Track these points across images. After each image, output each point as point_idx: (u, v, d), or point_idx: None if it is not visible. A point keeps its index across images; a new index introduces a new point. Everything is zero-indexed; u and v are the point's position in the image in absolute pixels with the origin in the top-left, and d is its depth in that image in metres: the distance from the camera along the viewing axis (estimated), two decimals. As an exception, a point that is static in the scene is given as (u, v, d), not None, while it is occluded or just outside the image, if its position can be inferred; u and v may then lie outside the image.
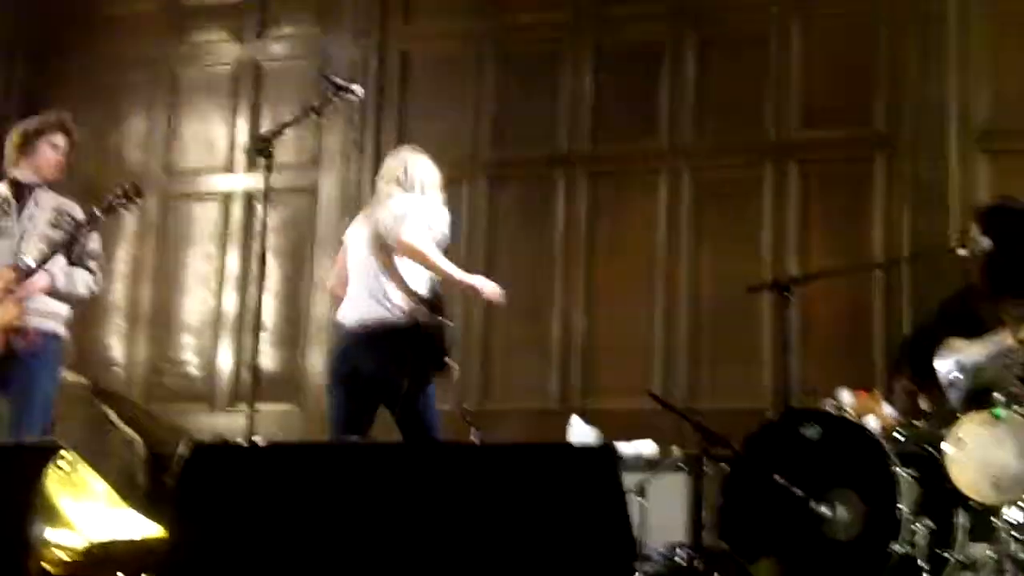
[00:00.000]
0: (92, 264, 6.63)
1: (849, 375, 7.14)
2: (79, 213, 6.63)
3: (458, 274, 6.49)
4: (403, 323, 6.37)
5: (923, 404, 6.57)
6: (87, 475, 5.25)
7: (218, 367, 9.48)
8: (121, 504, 5.48)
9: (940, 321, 6.77)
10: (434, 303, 6.47)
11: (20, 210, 6.53)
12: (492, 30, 9.36)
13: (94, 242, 6.64)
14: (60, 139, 6.66)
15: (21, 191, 6.59)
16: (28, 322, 6.37)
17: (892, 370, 7.03)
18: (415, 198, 6.54)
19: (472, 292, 6.63)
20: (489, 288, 6.60)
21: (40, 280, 6.37)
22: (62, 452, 5.03)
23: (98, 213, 6.42)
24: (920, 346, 6.70)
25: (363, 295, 6.47)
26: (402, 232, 6.33)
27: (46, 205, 6.58)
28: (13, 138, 6.64)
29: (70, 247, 6.46)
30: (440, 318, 6.45)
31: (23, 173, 6.60)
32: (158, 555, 4.66)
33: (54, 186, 6.70)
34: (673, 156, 8.82)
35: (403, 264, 6.41)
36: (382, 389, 6.36)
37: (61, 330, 6.59)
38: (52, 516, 4.86)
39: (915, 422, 6.41)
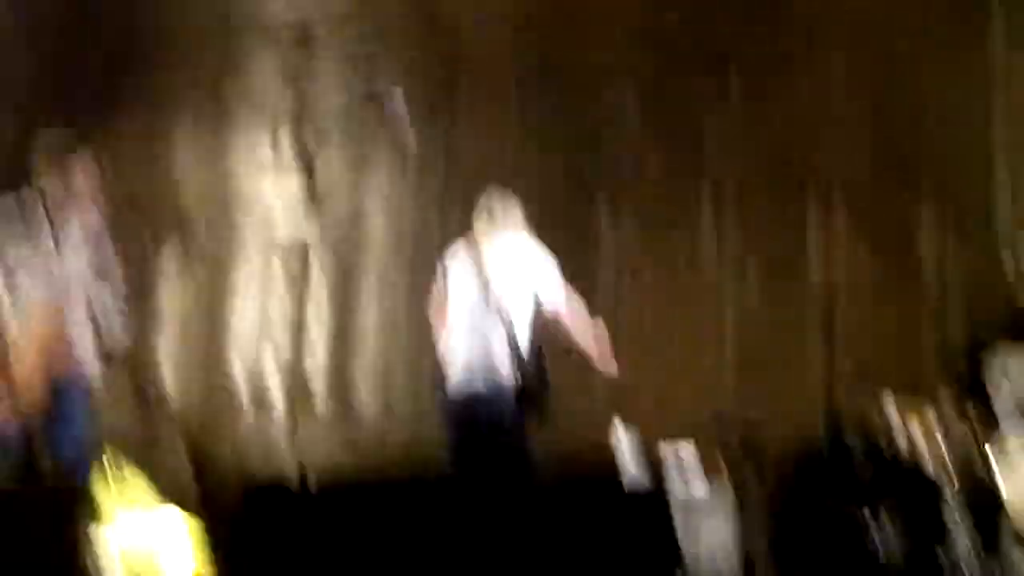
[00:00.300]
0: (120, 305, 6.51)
1: (896, 384, 7.11)
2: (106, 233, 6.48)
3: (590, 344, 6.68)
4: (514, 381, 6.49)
5: (971, 413, 6.56)
6: (130, 474, 5.25)
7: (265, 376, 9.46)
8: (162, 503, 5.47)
9: (987, 332, 6.78)
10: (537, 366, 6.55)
11: (57, 233, 6.27)
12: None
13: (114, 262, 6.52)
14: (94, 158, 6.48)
15: (56, 209, 6.32)
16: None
17: (940, 379, 6.99)
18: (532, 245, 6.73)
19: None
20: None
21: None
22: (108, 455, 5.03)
23: None
24: (969, 355, 6.71)
25: (473, 358, 6.51)
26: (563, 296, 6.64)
27: (80, 224, 6.34)
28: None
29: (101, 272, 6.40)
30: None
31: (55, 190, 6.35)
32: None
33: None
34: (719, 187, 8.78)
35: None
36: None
37: (94, 365, 6.38)
38: (98, 515, 4.87)
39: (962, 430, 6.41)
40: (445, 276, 6.69)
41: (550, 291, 6.54)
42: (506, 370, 6.35)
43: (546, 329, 6.59)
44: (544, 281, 6.53)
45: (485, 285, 6.46)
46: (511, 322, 6.40)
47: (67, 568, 4.64)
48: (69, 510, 4.88)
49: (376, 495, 4.87)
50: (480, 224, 6.68)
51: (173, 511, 5.55)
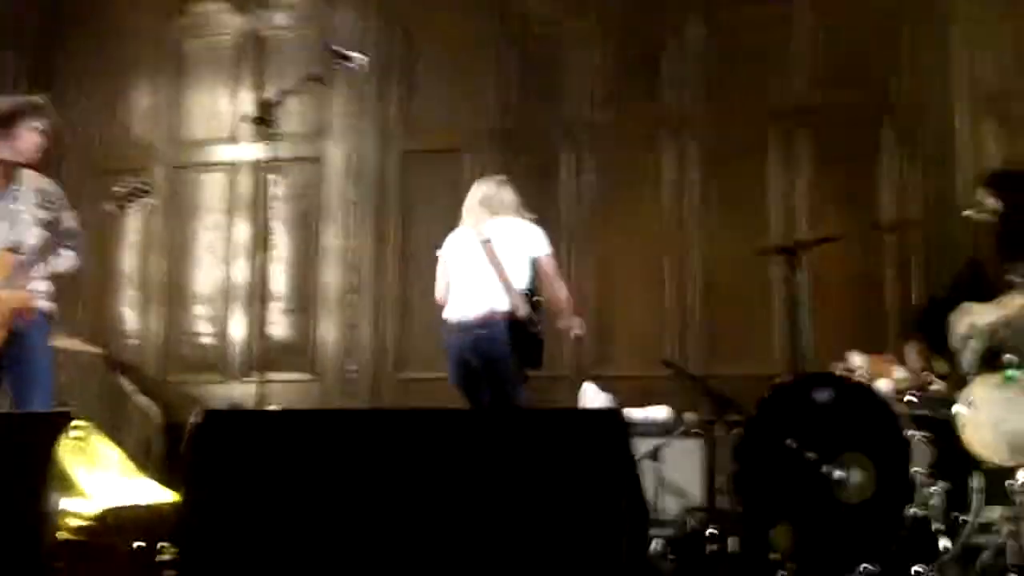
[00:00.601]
0: (71, 243, 6.63)
1: (861, 339, 7.14)
2: (59, 191, 6.66)
3: (567, 301, 7.42)
4: (513, 314, 7.17)
5: (936, 368, 6.57)
6: (100, 444, 5.28)
7: (230, 337, 9.50)
8: (135, 473, 5.52)
9: (952, 288, 6.77)
10: (535, 307, 7.30)
11: (7, 192, 6.52)
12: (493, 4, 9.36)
13: (72, 220, 6.62)
14: (40, 121, 6.62)
15: (6, 172, 6.56)
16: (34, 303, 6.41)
17: (905, 335, 7.00)
18: (526, 222, 7.45)
19: (564, 322, 7.42)
20: (577, 325, 7.46)
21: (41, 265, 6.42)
22: (76, 421, 5.04)
23: (108, 208, 6.45)
24: (933, 312, 6.70)
25: (476, 295, 7.24)
26: (545, 251, 7.34)
27: (30, 185, 6.58)
28: None
29: (56, 230, 6.48)
30: (539, 321, 7.30)
31: (4, 154, 6.55)
32: (172, 521, 4.67)
33: (39, 167, 6.68)
34: (680, 123, 8.79)
35: (512, 272, 7.24)
36: (494, 368, 7.14)
37: (48, 305, 6.61)
38: (66, 484, 4.89)
39: (928, 386, 6.42)
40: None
41: (539, 250, 7.35)
42: (510, 306, 7.17)
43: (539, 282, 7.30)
44: (534, 244, 7.36)
45: (485, 243, 7.27)
46: (508, 273, 7.21)
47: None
48: (37, 437, 4.87)
49: (333, 418, 4.87)
50: (476, 207, 7.45)
51: (141, 479, 5.56)
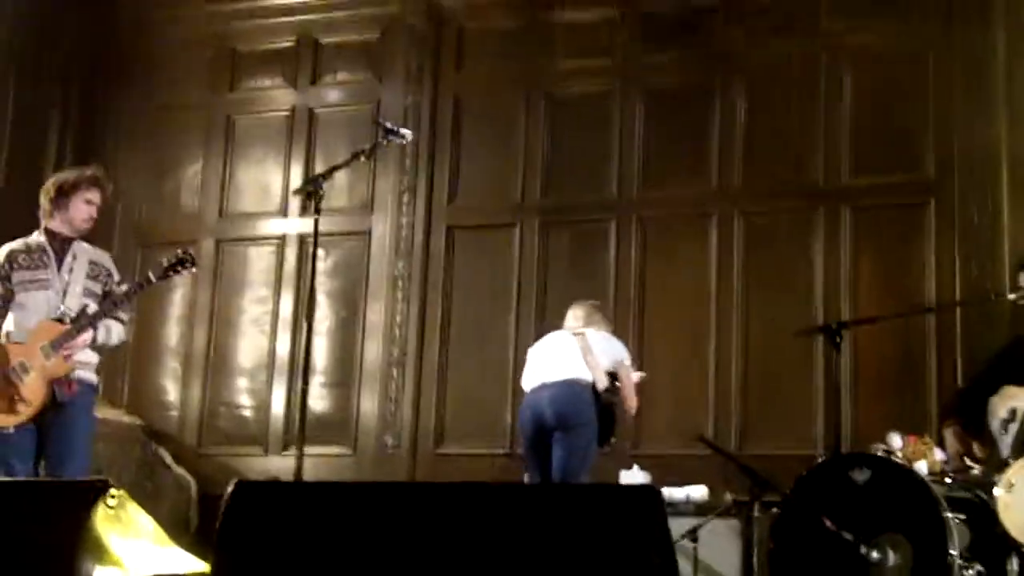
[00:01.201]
0: (123, 316, 6.74)
1: (901, 420, 7.12)
2: (112, 264, 6.82)
3: (634, 410, 7.93)
4: (595, 385, 7.67)
5: (976, 451, 6.53)
6: (136, 513, 5.28)
7: (271, 410, 9.51)
8: (169, 543, 5.52)
9: (994, 369, 6.74)
10: (614, 389, 7.77)
11: (59, 263, 6.63)
12: (541, 76, 9.46)
13: (123, 293, 6.69)
14: (95, 194, 6.75)
15: (59, 243, 6.68)
16: (73, 375, 6.50)
17: (945, 417, 6.95)
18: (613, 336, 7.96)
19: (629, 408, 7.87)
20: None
21: (85, 335, 6.48)
22: (111, 490, 5.07)
23: (153, 278, 6.55)
24: (974, 393, 6.67)
25: (563, 365, 7.68)
26: (627, 359, 7.87)
27: (83, 257, 6.69)
28: (49, 190, 6.72)
29: (105, 301, 6.59)
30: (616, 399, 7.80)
31: (57, 225, 6.69)
32: (204, 592, 4.68)
33: (87, 237, 6.81)
34: (723, 200, 8.83)
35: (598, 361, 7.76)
36: (568, 430, 7.50)
37: (94, 378, 6.72)
38: (101, 553, 4.90)
39: (967, 467, 6.38)
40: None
41: (623, 357, 7.84)
42: (589, 380, 7.66)
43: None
44: (619, 351, 7.86)
45: (578, 335, 7.81)
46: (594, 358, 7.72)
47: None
48: (73, 505, 4.90)
49: (368, 492, 4.86)
50: (571, 319, 7.97)
51: (175, 549, 5.56)
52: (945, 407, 7.17)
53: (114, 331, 6.65)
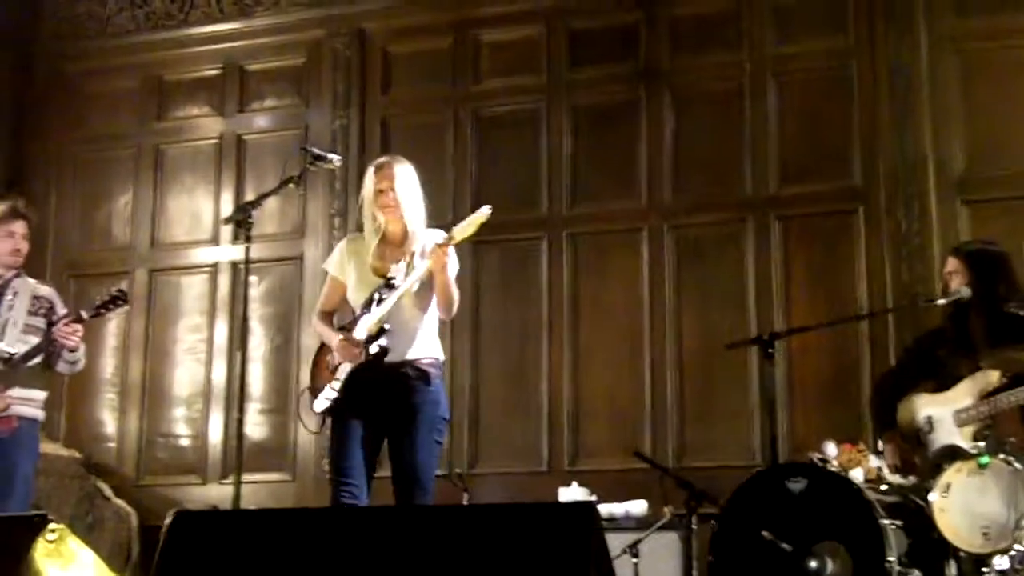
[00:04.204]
0: (70, 356, 6.71)
1: (837, 429, 7.17)
2: (57, 298, 6.82)
3: None
4: None
5: (917, 460, 6.58)
6: (76, 547, 5.26)
7: (209, 439, 9.47)
8: (111, 575, 5.50)
9: (903, 367, 6.85)
10: None
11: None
12: (468, 96, 9.48)
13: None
14: (16, 225, 6.75)
15: None
16: (10, 411, 6.47)
17: (880, 430, 6.98)
18: None
19: None
20: None
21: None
22: (51, 524, 5.05)
23: (85, 316, 6.53)
24: (884, 396, 6.77)
25: None
26: None
27: (25, 294, 6.67)
28: None
29: (46, 334, 6.58)
30: None
31: None
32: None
33: (30, 270, 6.80)
34: (653, 215, 8.87)
35: None
36: None
37: (39, 414, 6.71)
38: (40, 588, 4.88)
39: (901, 475, 6.44)
40: None
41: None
42: None
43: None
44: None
45: None
46: None
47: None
48: (12, 540, 4.89)
49: (305, 517, 4.87)
50: None
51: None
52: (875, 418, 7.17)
53: (64, 362, 6.69)
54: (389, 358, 5.81)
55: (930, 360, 6.62)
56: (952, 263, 6.72)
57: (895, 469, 6.51)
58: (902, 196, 8.35)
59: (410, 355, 5.91)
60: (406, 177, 6.06)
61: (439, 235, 5.88)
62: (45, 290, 6.85)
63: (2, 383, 6.44)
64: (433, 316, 6.01)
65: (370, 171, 6.12)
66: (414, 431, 5.81)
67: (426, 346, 5.98)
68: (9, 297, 6.66)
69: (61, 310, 6.74)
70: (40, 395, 6.71)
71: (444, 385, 6.11)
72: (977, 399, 6.28)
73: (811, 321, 7.63)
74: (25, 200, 7.13)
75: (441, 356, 6.07)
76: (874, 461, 6.47)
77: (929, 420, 6.41)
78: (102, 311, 6.63)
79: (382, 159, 6.20)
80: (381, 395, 5.84)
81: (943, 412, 6.36)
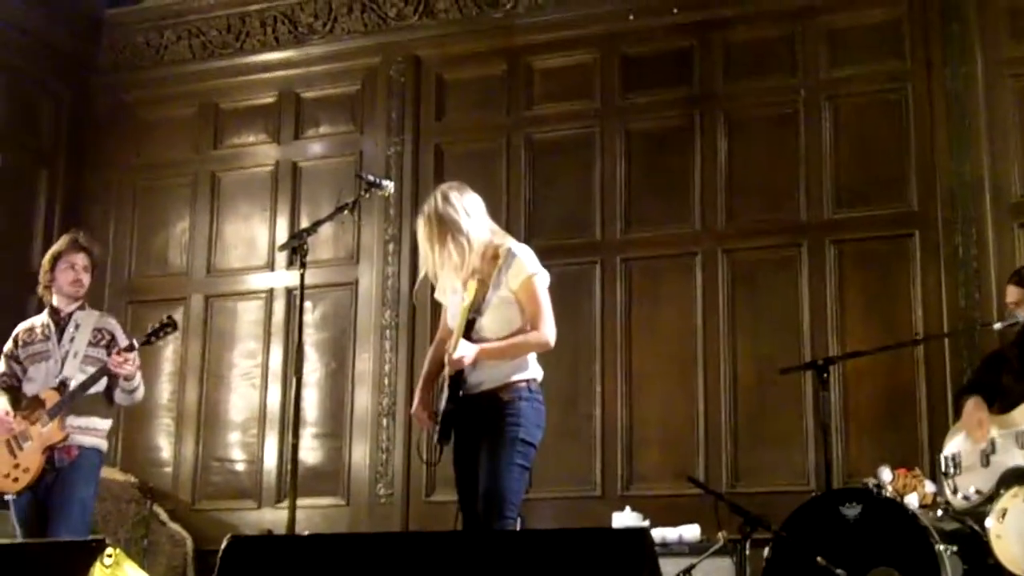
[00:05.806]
0: (126, 384, 6.79)
1: (892, 454, 7.14)
2: (118, 329, 6.98)
3: None
4: None
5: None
6: (132, 571, 5.30)
7: (264, 463, 9.51)
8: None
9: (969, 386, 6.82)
10: None
11: (60, 333, 6.77)
12: (521, 122, 9.51)
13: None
14: (77, 257, 6.86)
15: (60, 317, 6.86)
16: (71, 440, 6.56)
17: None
18: None
19: None
20: None
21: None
22: (107, 549, 5.10)
23: (136, 344, 6.65)
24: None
25: None
26: None
27: (87, 326, 6.80)
28: (44, 266, 6.92)
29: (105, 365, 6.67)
30: None
31: (57, 299, 6.88)
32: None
33: (93, 302, 6.93)
34: (707, 239, 8.85)
35: None
36: None
37: (102, 444, 6.80)
38: (97, 613, 4.92)
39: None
40: None
41: None
42: None
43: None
44: None
45: None
46: None
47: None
48: (70, 565, 4.94)
49: (361, 543, 4.88)
50: None
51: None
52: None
53: (122, 393, 6.82)
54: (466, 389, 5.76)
55: (995, 384, 6.56)
56: (1014, 292, 6.68)
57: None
58: (958, 221, 8.30)
59: (486, 384, 5.80)
60: (435, 226, 5.97)
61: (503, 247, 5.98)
62: (107, 322, 6.95)
63: (61, 412, 6.53)
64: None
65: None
66: (484, 457, 5.77)
67: (499, 372, 5.82)
68: (71, 329, 6.79)
69: (123, 341, 6.82)
70: (102, 424, 6.81)
71: (532, 408, 5.84)
72: None
73: (865, 346, 7.58)
74: (87, 233, 7.23)
75: (519, 376, 5.86)
76: (929, 486, 6.42)
77: (992, 442, 6.37)
78: (152, 339, 6.79)
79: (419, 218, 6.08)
80: (462, 426, 5.81)
81: (1007, 434, 6.31)
